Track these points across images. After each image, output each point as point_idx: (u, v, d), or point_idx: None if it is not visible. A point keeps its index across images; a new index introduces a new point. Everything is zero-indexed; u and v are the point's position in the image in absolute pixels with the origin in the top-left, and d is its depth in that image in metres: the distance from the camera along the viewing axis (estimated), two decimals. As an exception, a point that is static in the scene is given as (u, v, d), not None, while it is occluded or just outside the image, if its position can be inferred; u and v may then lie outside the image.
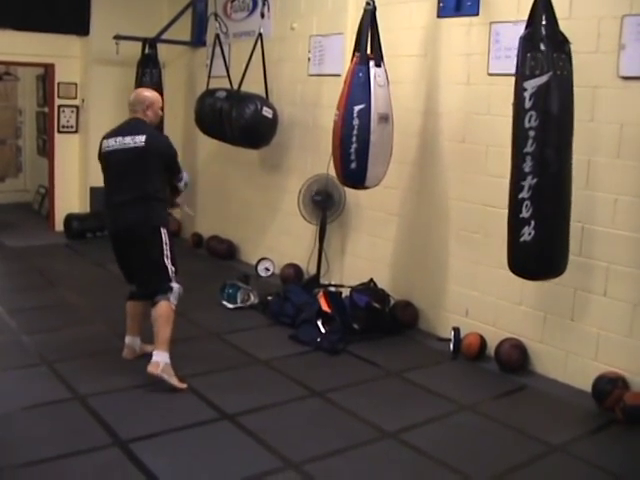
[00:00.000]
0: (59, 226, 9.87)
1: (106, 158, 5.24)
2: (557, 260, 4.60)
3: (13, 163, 12.50)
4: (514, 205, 4.50)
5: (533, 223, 4.41)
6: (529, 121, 4.34)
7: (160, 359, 4.95)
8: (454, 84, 5.89)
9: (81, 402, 4.69)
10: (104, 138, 5.30)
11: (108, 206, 5.24)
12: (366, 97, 5.58)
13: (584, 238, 5.04)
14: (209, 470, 3.92)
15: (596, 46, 4.90)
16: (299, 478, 3.89)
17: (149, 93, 5.39)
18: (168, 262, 5.08)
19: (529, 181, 4.38)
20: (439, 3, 5.95)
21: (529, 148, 4.37)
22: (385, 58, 5.74)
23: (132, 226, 5.07)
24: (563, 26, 4.78)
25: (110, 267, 7.79)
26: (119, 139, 5.13)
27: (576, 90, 4.91)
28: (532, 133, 4.35)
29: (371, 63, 5.63)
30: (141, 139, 5.04)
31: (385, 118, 5.67)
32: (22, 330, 5.97)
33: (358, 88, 5.61)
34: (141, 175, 5.07)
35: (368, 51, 5.68)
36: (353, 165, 5.66)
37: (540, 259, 4.57)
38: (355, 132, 5.59)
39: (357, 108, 5.58)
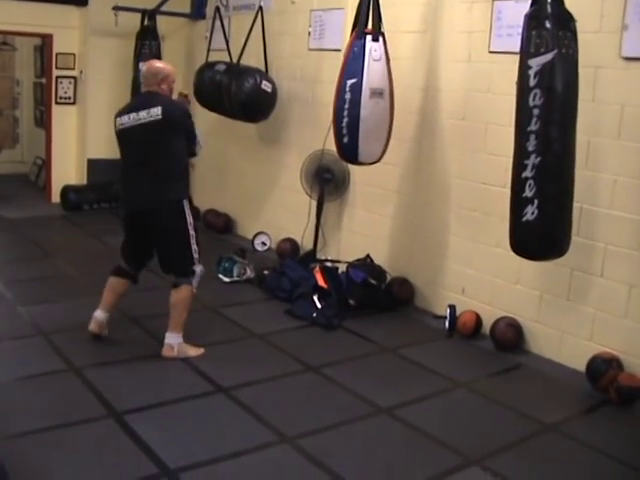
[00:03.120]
0: (56, 198, 9.85)
1: (121, 136, 4.98)
2: (560, 240, 4.57)
3: (10, 134, 12.43)
4: (517, 184, 4.47)
5: (536, 202, 4.37)
6: (533, 99, 4.30)
7: (173, 341, 5.01)
8: (455, 61, 5.86)
9: (76, 374, 4.70)
10: (117, 115, 5.00)
11: (125, 185, 5.08)
12: (359, 71, 5.54)
13: (582, 219, 5.03)
14: (203, 443, 3.94)
15: (599, 26, 4.87)
16: (293, 452, 3.91)
17: (162, 65, 5.08)
18: (193, 242, 4.97)
19: (533, 160, 4.35)
20: (441, -21, 5.92)
21: (533, 126, 4.32)
22: (386, 34, 5.68)
23: (152, 206, 4.89)
24: (567, 5, 4.76)
25: (107, 239, 7.83)
26: (133, 115, 4.85)
27: (578, 70, 4.91)
28: (536, 111, 4.30)
29: (368, 38, 5.56)
30: (157, 111, 4.76)
31: (379, 93, 5.60)
32: (18, 301, 5.97)
33: (352, 62, 5.59)
34: (160, 151, 4.83)
35: (367, 26, 5.60)
36: (345, 140, 5.66)
37: (543, 239, 4.53)
38: (347, 106, 5.58)
39: (350, 82, 5.56)
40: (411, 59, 6.18)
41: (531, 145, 4.34)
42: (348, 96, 5.56)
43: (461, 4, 5.78)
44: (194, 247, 4.99)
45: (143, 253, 5.20)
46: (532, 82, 4.30)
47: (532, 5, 4.38)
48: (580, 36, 4.61)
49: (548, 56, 4.25)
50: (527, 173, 4.38)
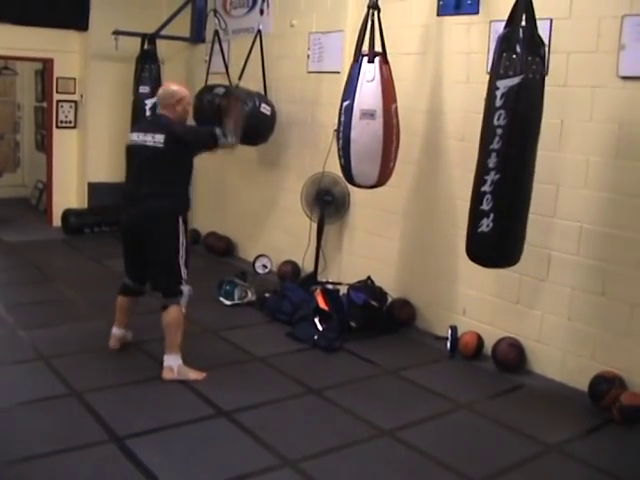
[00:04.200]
0: (57, 221, 9.87)
1: (128, 151, 5.22)
2: (511, 252, 4.77)
3: (11, 158, 12.48)
4: (476, 197, 4.66)
5: (492, 216, 4.55)
6: (498, 119, 4.43)
7: (172, 363, 5.03)
8: (454, 83, 5.89)
9: (77, 398, 4.69)
10: (131, 131, 5.30)
11: (125, 198, 5.23)
12: (352, 93, 5.61)
13: (582, 238, 5.04)
14: (205, 467, 3.92)
15: (596, 46, 4.89)
16: (296, 476, 3.89)
17: (177, 87, 5.24)
18: (182, 263, 5.05)
19: (492, 176, 4.52)
20: (439, 1, 5.94)
21: (495, 145, 4.48)
22: (388, 56, 5.71)
23: (146, 218, 5.01)
24: (563, 26, 4.81)
25: (107, 263, 7.84)
26: (141, 135, 5.07)
27: (576, 90, 4.95)
28: (499, 131, 4.45)
29: (364, 60, 5.61)
30: (160, 139, 4.95)
31: (370, 114, 5.58)
32: (19, 325, 5.96)
33: (348, 85, 5.68)
34: (159, 174, 5.01)
35: (365, 49, 5.65)
36: (342, 161, 5.76)
37: (495, 250, 4.74)
38: (341, 128, 5.67)
39: (344, 104, 5.65)
40: (411, 81, 6.19)
41: (492, 162, 4.51)
42: (343, 118, 5.64)
43: (459, 26, 5.81)
44: (183, 269, 5.06)
45: (140, 266, 5.27)
46: (498, 103, 4.42)
47: (506, 27, 4.47)
48: (577, 56, 4.65)
49: (515, 80, 4.35)
50: (486, 187, 4.56)
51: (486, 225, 4.57)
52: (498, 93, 4.40)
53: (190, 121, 8.08)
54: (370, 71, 5.58)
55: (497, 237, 4.62)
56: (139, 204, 5.03)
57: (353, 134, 5.60)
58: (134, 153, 5.15)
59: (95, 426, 4.32)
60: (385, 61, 5.65)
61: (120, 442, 4.13)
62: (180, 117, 5.17)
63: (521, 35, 4.37)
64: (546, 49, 4.50)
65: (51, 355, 5.35)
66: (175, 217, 5.03)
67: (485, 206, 4.56)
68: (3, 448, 4.01)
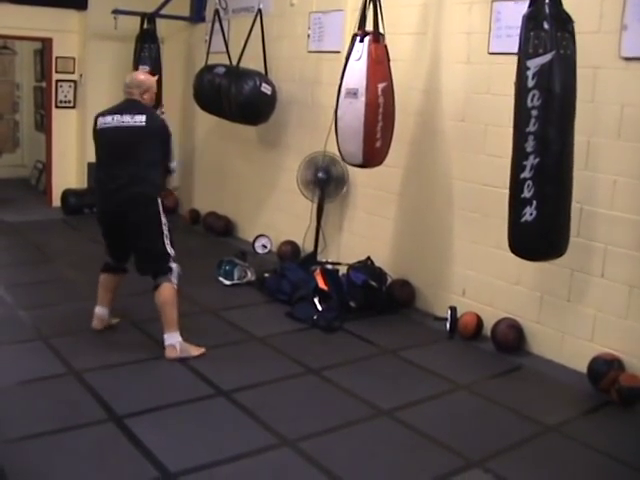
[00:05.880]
0: (56, 201, 9.86)
1: (102, 135, 5.18)
2: (558, 241, 4.55)
3: (10, 138, 12.45)
4: (515, 185, 4.45)
5: (535, 203, 4.35)
6: (532, 100, 4.28)
7: (174, 341, 5.05)
8: (454, 63, 5.86)
9: (76, 377, 4.70)
10: (100, 115, 5.21)
11: (100, 183, 5.25)
12: (343, 73, 5.70)
13: (582, 219, 5.03)
14: (204, 446, 3.92)
15: (598, 26, 4.86)
16: (294, 455, 3.90)
17: (145, 77, 5.33)
18: (167, 243, 5.07)
19: (531, 161, 4.32)
20: (440, -19, 5.91)
21: (531, 127, 4.30)
22: (386, 36, 5.69)
23: (127, 204, 5.03)
24: (566, 5, 4.75)
25: (107, 243, 7.80)
26: (117, 117, 5.07)
27: (577, 70, 4.90)
28: (534, 112, 4.28)
29: (357, 39, 5.63)
30: (141, 119, 5.00)
31: (353, 93, 5.61)
32: (18, 305, 5.97)
33: (344, 65, 5.74)
34: (138, 153, 5.04)
35: (359, 29, 5.68)
36: (336, 140, 5.86)
37: (542, 240, 4.51)
38: (334, 107, 5.79)
39: (338, 84, 5.74)
40: (411, 61, 6.17)
41: (530, 146, 4.32)
42: (336, 97, 5.73)
43: (460, 5, 5.77)
44: (170, 249, 5.09)
45: (122, 246, 5.32)
46: (530, 83, 4.27)
47: (530, 6, 4.35)
48: (579, 36, 4.60)
49: (546, 57, 4.22)
50: (526, 174, 4.35)
51: (529, 214, 4.35)
52: (529, 73, 4.25)
53: (190, 101, 8.11)
54: (358, 50, 5.60)
55: (543, 226, 4.41)
56: (120, 191, 5.04)
57: (339, 113, 5.70)
58: (109, 136, 5.14)
59: (94, 405, 4.33)
60: (376, 40, 5.62)
61: (119, 421, 4.14)
62: (147, 105, 5.23)
63: (547, 11, 4.24)
64: (574, 25, 4.35)
65: (50, 335, 5.36)
66: (156, 200, 5.05)
67: (526, 193, 4.34)
68: (2, 427, 4.02)
